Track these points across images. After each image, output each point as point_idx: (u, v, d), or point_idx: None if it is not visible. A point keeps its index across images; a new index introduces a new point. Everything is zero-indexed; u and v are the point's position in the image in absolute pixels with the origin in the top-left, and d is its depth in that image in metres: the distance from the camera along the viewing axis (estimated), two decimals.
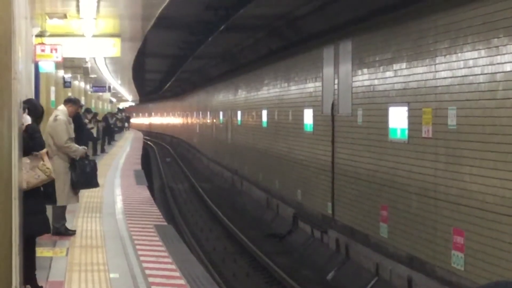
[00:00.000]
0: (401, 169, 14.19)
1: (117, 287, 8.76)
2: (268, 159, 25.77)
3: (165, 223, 14.05)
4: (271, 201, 24.55)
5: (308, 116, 20.68)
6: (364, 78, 16.16)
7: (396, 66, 14.49)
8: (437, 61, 12.74)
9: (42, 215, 8.20)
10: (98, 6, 15.78)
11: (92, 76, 37.83)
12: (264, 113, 26.60)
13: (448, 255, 12.20)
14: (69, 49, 19.60)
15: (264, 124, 26.70)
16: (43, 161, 8.03)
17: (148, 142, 67.00)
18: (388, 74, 14.84)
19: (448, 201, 12.32)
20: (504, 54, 10.75)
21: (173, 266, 9.91)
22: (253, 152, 28.62)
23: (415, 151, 13.57)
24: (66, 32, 19.23)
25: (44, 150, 8.19)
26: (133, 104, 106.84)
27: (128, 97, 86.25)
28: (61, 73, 25.76)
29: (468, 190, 11.70)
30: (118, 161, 28.44)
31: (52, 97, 22.73)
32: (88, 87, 39.94)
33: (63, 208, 11.98)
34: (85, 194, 16.02)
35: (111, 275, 9.28)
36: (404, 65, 14.10)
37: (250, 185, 28.58)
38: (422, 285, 12.99)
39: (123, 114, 72.41)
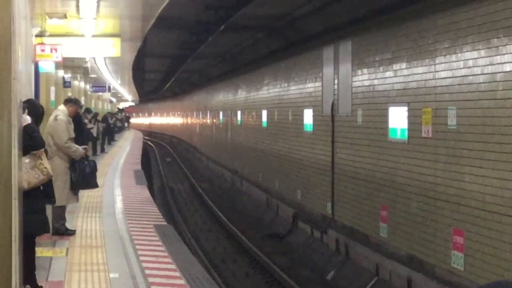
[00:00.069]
0: (401, 169, 14.18)
1: (117, 287, 8.76)
2: (268, 159, 25.76)
3: (165, 223, 14.02)
4: (271, 201, 24.53)
5: (308, 116, 20.67)
6: (364, 78, 16.16)
7: (396, 66, 14.49)
8: (437, 61, 12.74)
9: (42, 214, 8.18)
10: (98, 6, 15.77)
11: (92, 76, 37.81)
12: (264, 113, 26.59)
13: (448, 255, 12.20)
14: (69, 49, 19.60)
15: (264, 124, 26.69)
16: (41, 160, 8.02)
17: (148, 142, 67.01)
18: (388, 74, 14.84)
19: (448, 201, 12.32)
20: (504, 54, 10.75)
21: (173, 266, 9.90)
22: (253, 152, 28.61)
23: (415, 151, 13.57)
24: (66, 32, 19.23)
25: (42, 149, 8.18)
26: (133, 104, 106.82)
27: (128, 97, 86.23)
28: (61, 73, 25.78)
29: (468, 190, 11.69)
30: (118, 161, 28.40)
31: (52, 97, 22.75)
32: (88, 87, 39.95)
33: (63, 208, 11.98)
34: (85, 194, 16.01)
35: (111, 275, 9.27)
36: (404, 65, 14.09)
37: (250, 185, 28.57)
38: (422, 285, 12.98)
39: (123, 114, 72.34)
